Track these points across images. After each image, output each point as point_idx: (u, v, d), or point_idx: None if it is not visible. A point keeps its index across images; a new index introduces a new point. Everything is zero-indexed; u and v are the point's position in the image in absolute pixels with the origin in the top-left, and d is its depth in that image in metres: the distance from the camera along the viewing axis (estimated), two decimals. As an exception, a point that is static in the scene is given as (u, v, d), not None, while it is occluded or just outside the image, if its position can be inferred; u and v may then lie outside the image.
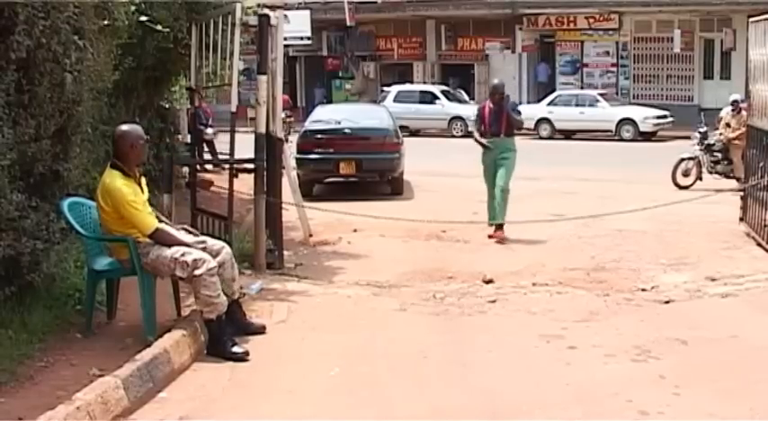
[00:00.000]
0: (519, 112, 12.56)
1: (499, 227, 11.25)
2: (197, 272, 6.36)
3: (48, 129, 6.44)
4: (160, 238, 6.46)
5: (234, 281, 6.82)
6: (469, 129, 20.37)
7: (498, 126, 11.69)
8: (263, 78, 9.27)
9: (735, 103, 16.02)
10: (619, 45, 34.07)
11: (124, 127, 6.74)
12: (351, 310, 7.91)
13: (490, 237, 11.20)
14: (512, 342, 6.83)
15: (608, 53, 34.39)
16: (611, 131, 28.45)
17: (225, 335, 6.47)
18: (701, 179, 16.32)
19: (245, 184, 10.30)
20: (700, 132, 16.80)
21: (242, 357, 6.36)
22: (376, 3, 36.47)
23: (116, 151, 6.58)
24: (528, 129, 29.90)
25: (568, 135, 29.22)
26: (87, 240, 6.55)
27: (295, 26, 21.54)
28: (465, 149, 16.36)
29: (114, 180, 6.42)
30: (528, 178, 14.86)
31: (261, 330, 6.97)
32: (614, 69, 34.30)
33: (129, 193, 6.40)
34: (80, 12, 6.68)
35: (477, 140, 11.91)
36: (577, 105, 29.35)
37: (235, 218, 10.00)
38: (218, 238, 9.57)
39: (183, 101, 15.57)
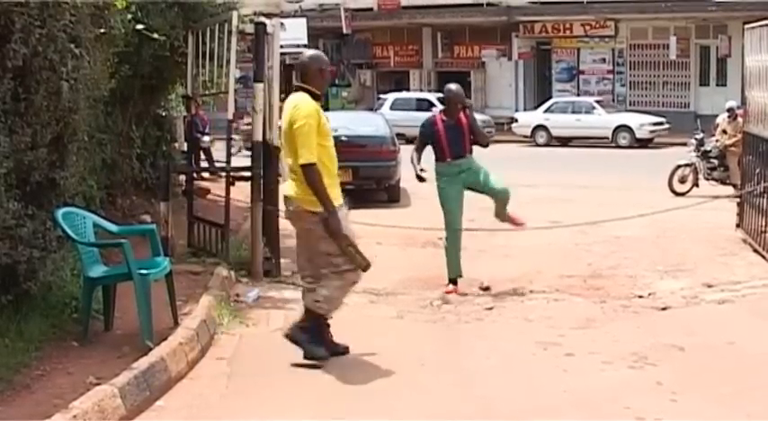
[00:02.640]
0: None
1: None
2: (345, 275, 6.38)
3: (44, 137, 6.43)
4: (310, 173, 6.18)
5: None
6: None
7: (461, 145, 8.94)
8: (260, 86, 9.29)
9: (731, 110, 16.05)
10: (615, 52, 34.14)
11: (312, 52, 6.77)
12: (348, 318, 7.88)
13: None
14: (509, 349, 6.82)
15: (604, 60, 34.46)
16: (607, 138, 28.50)
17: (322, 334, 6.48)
18: (697, 186, 16.34)
19: (241, 192, 10.30)
20: (696, 139, 16.83)
21: (320, 360, 6.35)
22: (372, 10, 36.51)
23: (303, 76, 6.49)
24: (524, 136, 30.06)
25: (565, 142, 29.26)
26: (83, 248, 6.54)
27: (291, 34, 21.53)
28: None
29: (309, 101, 6.33)
30: (525, 185, 14.86)
31: (345, 351, 6.66)
32: (610, 76, 34.36)
33: (315, 116, 6.27)
34: (76, 20, 6.67)
35: (414, 167, 9.06)
36: (574, 112, 29.39)
37: (231, 226, 10.01)
38: (215, 246, 9.65)
39: (180, 109, 15.57)
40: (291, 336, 6.48)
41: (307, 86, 6.44)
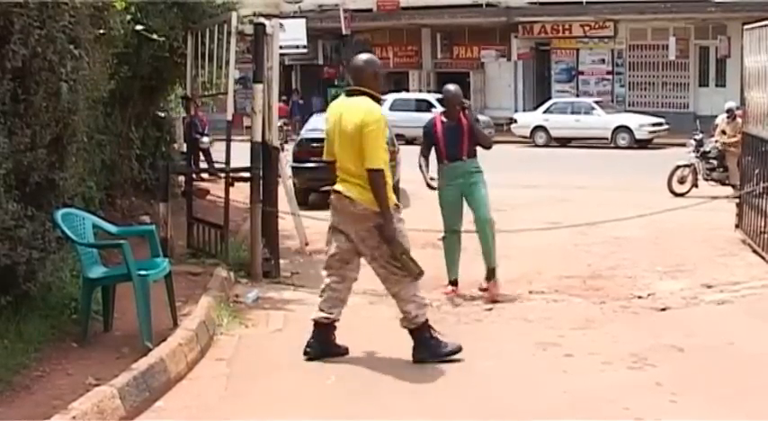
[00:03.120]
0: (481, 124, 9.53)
1: (492, 273, 8.81)
2: (410, 275, 6.41)
3: (43, 138, 6.43)
4: (377, 178, 6.20)
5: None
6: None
7: (458, 147, 8.72)
8: (259, 87, 9.28)
9: (730, 110, 16.06)
10: (614, 52, 34.14)
11: (365, 55, 6.73)
12: (347, 319, 7.88)
13: (482, 290, 8.82)
14: (508, 350, 6.82)
15: (603, 61, 34.47)
16: (606, 139, 28.49)
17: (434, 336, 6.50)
18: (696, 186, 16.34)
19: (241, 193, 10.30)
20: (695, 139, 16.83)
21: (458, 352, 6.42)
22: (371, 11, 36.52)
23: (360, 80, 6.49)
24: (524, 137, 30.05)
25: (564, 143, 29.25)
26: (82, 249, 6.54)
27: (291, 35, 21.50)
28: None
29: (377, 105, 6.37)
30: (524, 186, 14.88)
31: (345, 352, 6.66)
32: (610, 77, 34.36)
33: (383, 121, 6.34)
34: (76, 21, 6.67)
35: (423, 174, 8.98)
36: (573, 113, 29.39)
37: (231, 227, 10.02)
38: (214, 247, 9.65)
39: (179, 110, 15.58)
40: (420, 359, 6.49)
41: (369, 90, 6.43)
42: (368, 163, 6.22)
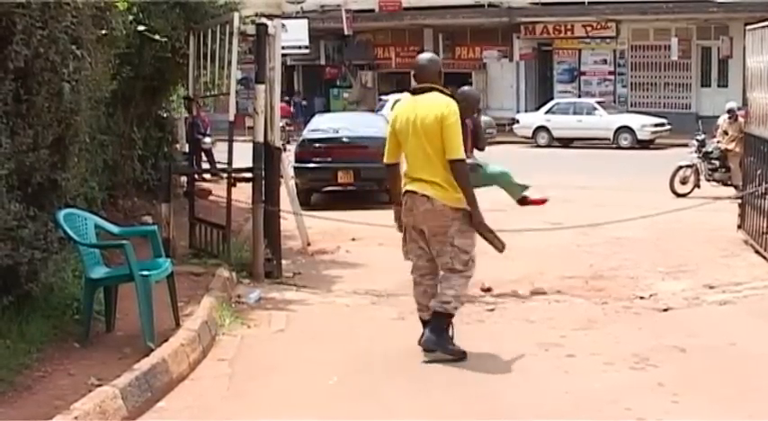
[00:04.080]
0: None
1: (521, 197, 9.69)
2: (467, 272, 6.58)
3: (46, 138, 6.44)
4: (462, 168, 6.40)
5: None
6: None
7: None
8: (262, 87, 9.29)
9: (731, 111, 16.05)
10: (616, 53, 34.15)
11: (428, 55, 6.90)
12: (349, 319, 7.90)
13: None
14: (510, 350, 6.81)
15: (605, 61, 34.47)
16: (608, 139, 28.50)
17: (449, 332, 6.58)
18: (698, 187, 16.34)
19: (243, 193, 10.30)
20: (697, 140, 16.82)
21: (462, 358, 6.48)
22: (373, 11, 36.53)
23: (425, 76, 6.60)
24: (526, 137, 30.06)
25: (566, 143, 29.26)
26: (84, 249, 6.54)
27: (293, 35, 21.59)
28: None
29: (450, 99, 6.48)
30: (526, 186, 14.82)
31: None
32: (612, 77, 34.37)
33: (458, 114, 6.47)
34: (78, 21, 6.68)
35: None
36: (575, 113, 29.40)
37: (233, 227, 10.02)
38: (216, 247, 9.65)
39: (181, 110, 15.59)
40: (426, 342, 6.55)
41: (440, 87, 6.54)
42: (452, 153, 6.34)
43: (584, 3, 32.50)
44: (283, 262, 9.77)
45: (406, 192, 6.56)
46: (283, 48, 10.32)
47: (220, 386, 6.01)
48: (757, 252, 10.23)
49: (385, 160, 6.78)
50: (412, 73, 6.74)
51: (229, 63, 9.41)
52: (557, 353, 6.70)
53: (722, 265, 10.02)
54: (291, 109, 33.29)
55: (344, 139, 16.32)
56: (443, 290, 6.56)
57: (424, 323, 6.71)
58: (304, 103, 36.28)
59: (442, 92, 6.53)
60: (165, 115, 13.84)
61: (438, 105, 6.40)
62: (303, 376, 6.26)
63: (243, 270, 9.28)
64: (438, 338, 6.50)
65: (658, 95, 33.40)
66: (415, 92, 6.62)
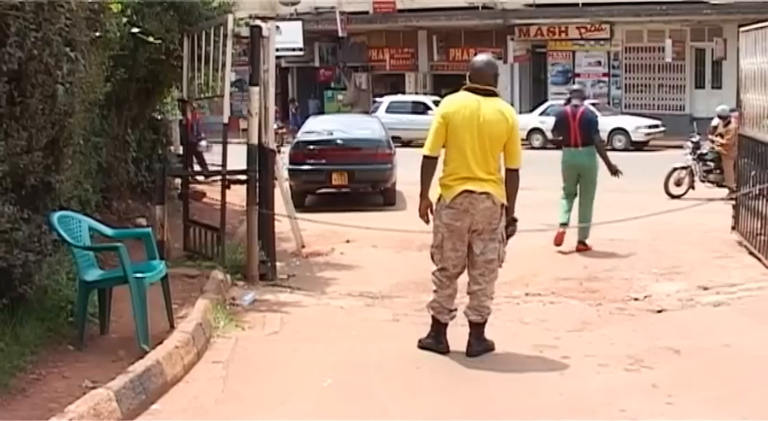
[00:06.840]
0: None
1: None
2: (499, 269, 6.76)
3: (39, 140, 6.43)
4: (517, 179, 6.64)
5: None
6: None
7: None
8: (255, 90, 9.28)
9: (724, 116, 16.10)
10: (610, 55, 34.15)
11: (486, 57, 6.98)
12: (343, 321, 7.89)
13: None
14: (505, 352, 6.82)
15: (599, 63, 34.48)
16: (602, 141, 28.43)
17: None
18: (693, 188, 16.36)
19: (237, 196, 10.30)
20: (692, 142, 16.85)
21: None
22: (368, 13, 36.53)
23: (483, 79, 6.62)
24: (520, 139, 30.02)
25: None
26: (78, 251, 6.53)
27: (287, 37, 21.53)
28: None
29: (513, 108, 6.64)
30: (521, 188, 14.80)
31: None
32: (606, 79, 34.38)
33: None
34: (72, 24, 6.67)
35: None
36: (570, 115, 29.35)
37: (227, 229, 10.02)
38: (211, 249, 9.64)
39: (176, 112, 15.56)
40: (476, 352, 6.68)
41: (497, 91, 6.62)
42: (516, 162, 6.61)
43: (578, 5, 32.51)
44: (278, 264, 9.77)
45: (461, 192, 6.48)
46: (277, 50, 10.33)
47: (215, 388, 6.00)
48: (751, 253, 10.25)
49: (427, 152, 6.61)
50: (467, 74, 6.68)
51: (223, 65, 9.40)
52: (551, 355, 6.71)
53: (716, 267, 10.03)
54: (291, 111, 33.26)
55: (339, 141, 16.31)
56: (482, 302, 6.67)
57: (442, 326, 6.75)
58: (294, 111, 36.17)
59: (497, 95, 6.63)
60: (159, 117, 13.83)
61: (507, 112, 6.56)
62: (298, 378, 6.26)
63: (237, 272, 9.28)
64: (484, 345, 6.72)
65: (652, 97, 33.43)
66: (477, 91, 6.54)
